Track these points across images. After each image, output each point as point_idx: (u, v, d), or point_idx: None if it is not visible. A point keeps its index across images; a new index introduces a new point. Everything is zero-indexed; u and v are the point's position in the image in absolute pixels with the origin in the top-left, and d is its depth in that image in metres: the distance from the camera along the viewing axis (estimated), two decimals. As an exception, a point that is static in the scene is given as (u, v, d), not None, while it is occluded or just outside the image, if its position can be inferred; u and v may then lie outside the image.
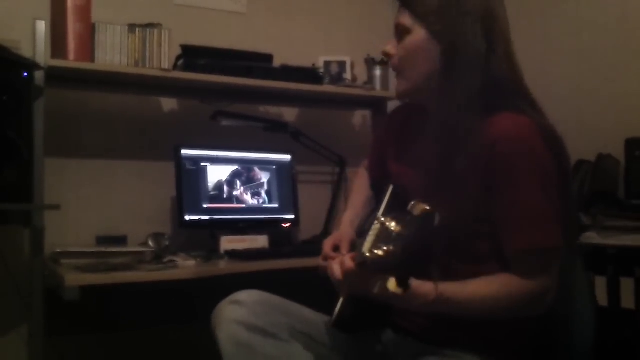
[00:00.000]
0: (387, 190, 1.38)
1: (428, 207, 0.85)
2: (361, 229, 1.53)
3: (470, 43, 1.23)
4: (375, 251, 0.84)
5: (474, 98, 1.21)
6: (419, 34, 1.27)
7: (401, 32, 1.30)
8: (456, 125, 1.21)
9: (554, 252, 1.20)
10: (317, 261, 1.44)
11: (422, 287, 1.12)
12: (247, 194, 2.48)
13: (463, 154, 1.19)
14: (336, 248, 1.43)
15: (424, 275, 1.19)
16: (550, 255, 1.20)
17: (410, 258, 0.83)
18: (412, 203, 0.86)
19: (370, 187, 1.62)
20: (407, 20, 1.29)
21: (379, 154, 1.57)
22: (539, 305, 1.21)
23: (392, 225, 0.85)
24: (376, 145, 1.60)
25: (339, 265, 1.18)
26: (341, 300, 1.35)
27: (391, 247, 0.83)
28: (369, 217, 1.58)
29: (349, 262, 1.15)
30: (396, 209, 1.32)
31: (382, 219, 0.88)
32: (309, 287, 1.56)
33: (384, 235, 0.85)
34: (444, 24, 1.25)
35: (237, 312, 1.30)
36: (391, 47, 1.33)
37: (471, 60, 1.23)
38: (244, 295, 1.34)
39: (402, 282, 0.85)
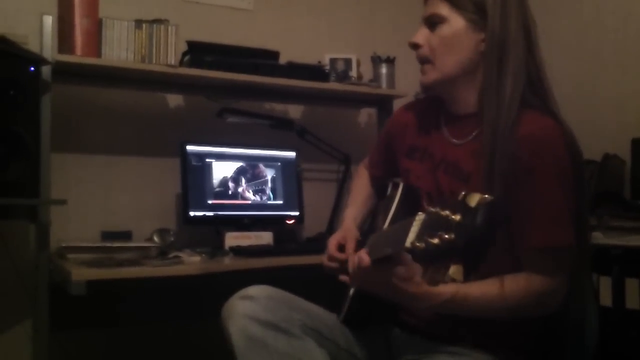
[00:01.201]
0: (397, 187, 1.39)
1: (487, 196, 0.83)
2: (362, 225, 1.54)
3: (516, 38, 1.26)
4: (430, 240, 0.83)
5: (519, 94, 1.24)
6: (457, 22, 1.28)
7: (434, 23, 1.30)
8: (504, 120, 1.22)
9: (567, 252, 1.21)
10: (322, 258, 1.45)
11: (436, 287, 1.13)
12: (251, 191, 2.49)
13: (503, 148, 1.20)
14: (341, 247, 1.43)
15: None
16: (564, 255, 1.21)
17: (473, 248, 0.81)
18: (463, 193, 0.84)
19: (370, 185, 1.62)
20: (443, 10, 1.29)
21: (385, 152, 1.57)
22: (549, 305, 1.22)
23: (446, 213, 0.83)
24: (381, 144, 1.60)
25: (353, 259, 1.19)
26: (350, 296, 1.35)
27: (452, 236, 0.81)
28: (370, 214, 1.59)
29: (365, 259, 1.15)
30: (408, 205, 1.33)
31: (432, 209, 0.86)
32: (313, 285, 1.57)
33: (437, 225, 0.84)
34: (487, 16, 1.26)
35: (249, 306, 1.29)
36: (420, 38, 1.33)
37: (518, 55, 1.25)
38: (256, 290, 1.33)
39: (467, 271, 0.84)
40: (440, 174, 1.33)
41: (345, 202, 1.66)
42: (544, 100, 1.27)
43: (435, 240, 0.82)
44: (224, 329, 1.30)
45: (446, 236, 0.81)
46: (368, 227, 1.56)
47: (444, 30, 1.29)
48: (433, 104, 1.43)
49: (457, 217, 0.82)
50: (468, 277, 0.82)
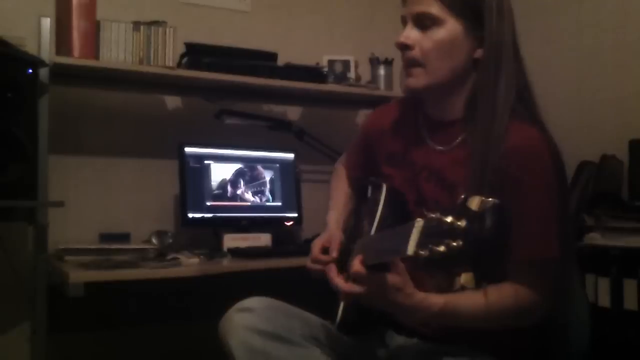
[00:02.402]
0: (379, 189, 1.36)
1: (490, 199, 0.79)
2: (345, 227, 1.52)
3: (509, 46, 1.24)
4: (436, 247, 0.79)
5: (510, 103, 1.22)
6: (454, 27, 1.23)
7: (426, 23, 1.24)
8: (496, 129, 1.20)
9: (553, 264, 1.19)
10: (308, 262, 1.42)
11: (427, 299, 1.13)
12: (250, 192, 2.49)
13: (493, 159, 1.18)
14: (325, 249, 1.41)
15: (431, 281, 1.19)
16: (549, 268, 1.19)
17: (482, 254, 0.78)
18: (463, 196, 0.80)
19: (349, 185, 1.61)
20: (436, 10, 1.23)
21: (363, 154, 1.55)
22: (529, 318, 1.21)
23: (450, 220, 0.80)
24: (359, 146, 1.58)
25: (338, 277, 1.17)
26: (342, 303, 1.33)
27: (460, 242, 0.77)
28: (352, 215, 1.57)
29: (358, 267, 1.12)
30: (394, 209, 1.31)
31: (433, 215, 0.82)
32: (311, 286, 1.56)
33: (441, 232, 0.80)
34: (484, 22, 1.23)
35: (248, 318, 1.26)
36: (411, 38, 1.26)
37: (511, 63, 1.24)
38: (253, 302, 1.30)
39: (478, 277, 0.80)
40: (422, 182, 1.31)
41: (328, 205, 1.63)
42: (529, 108, 1.26)
43: (442, 248, 0.79)
44: (224, 344, 1.27)
45: (454, 244, 0.78)
46: (352, 229, 1.55)
47: (440, 33, 1.23)
48: (411, 107, 1.41)
49: (463, 223, 0.79)
50: (480, 284, 0.79)
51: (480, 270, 0.80)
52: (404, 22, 1.29)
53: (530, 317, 1.21)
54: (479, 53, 1.25)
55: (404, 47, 1.27)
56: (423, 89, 1.28)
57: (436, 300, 1.14)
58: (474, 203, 0.80)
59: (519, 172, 1.17)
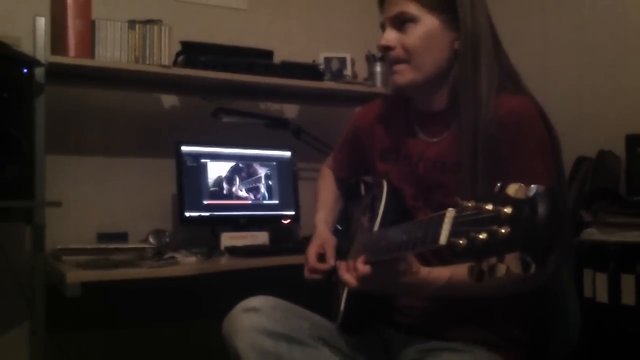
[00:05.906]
0: (378, 187, 1.37)
1: (533, 185, 0.76)
2: (333, 228, 1.52)
3: (486, 34, 1.27)
4: (477, 235, 0.77)
5: (494, 88, 1.24)
6: (431, 22, 1.27)
7: (402, 22, 1.28)
8: (483, 113, 1.22)
9: None
10: (306, 273, 1.43)
11: (432, 273, 1.15)
12: (247, 191, 2.48)
13: (485, 134, 1.20)
14: (320, 256, 1.42)
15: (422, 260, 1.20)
16: None
17: (534, 241, 0.74)
18: (499, 185, 0.78)
19: (337, 186, 1.62)
20: (412, 9, 1.26)
21: (351, 154, 1.56)
22: (530, 285, 1.20)
23: (490, 207, 0.77)
24: (347, 146, 1.59)
25: (349, 274, 1.17)
26: (344, 301, 1.32)
27: (507, 229, 0.75)
28: (340, 216, 1.57)
29: (363, 267, 1.12)
30: (393, 205, 1.32)
31: (468, 204, 0.81)
32: (309, 284, 1.56)
33: (481, 220, 0.78)
34: (459, 15, 1.26)
35: (255, 319, 1.23)
36: (391, 40, 1.29)
37: (490, 50, 1.26)
38: (258, 301, 1.27)
39: (526, 264, 0.78)
40: (421, 173, 1.33)
41: (315, 206, 1.62)
42: (515, 83, 1.29)
43: (483, 235, 0.76)
44: (230, 345, 1.24)
45: (502, 230, 0.75)
46: (344, 229, 1.55)
47: (418, 30, 1.27)
48: (398, 102, 1.42)
49: (509, 210, 0.75)
50: (527, 268, 0.74)
51: (531, 256, 0.75)
52: (383, 28, 1.33)
53: (525, 285, 1.19)
54: (457, 45, 1.28)
55: (386, 49, 1.30)
56: (409, 83, 1.30)
57: (441, 273, 1.16)
58: (513, 190, 0.77)
59: (514, 135, 1.20)
